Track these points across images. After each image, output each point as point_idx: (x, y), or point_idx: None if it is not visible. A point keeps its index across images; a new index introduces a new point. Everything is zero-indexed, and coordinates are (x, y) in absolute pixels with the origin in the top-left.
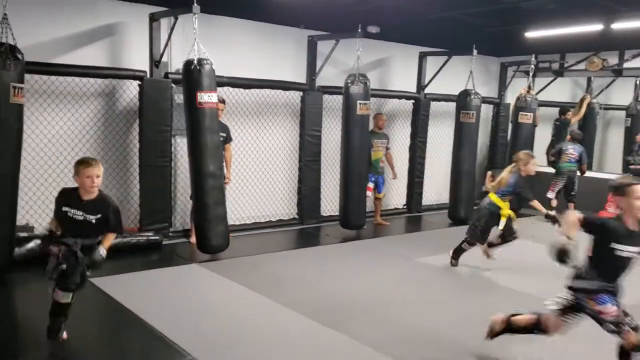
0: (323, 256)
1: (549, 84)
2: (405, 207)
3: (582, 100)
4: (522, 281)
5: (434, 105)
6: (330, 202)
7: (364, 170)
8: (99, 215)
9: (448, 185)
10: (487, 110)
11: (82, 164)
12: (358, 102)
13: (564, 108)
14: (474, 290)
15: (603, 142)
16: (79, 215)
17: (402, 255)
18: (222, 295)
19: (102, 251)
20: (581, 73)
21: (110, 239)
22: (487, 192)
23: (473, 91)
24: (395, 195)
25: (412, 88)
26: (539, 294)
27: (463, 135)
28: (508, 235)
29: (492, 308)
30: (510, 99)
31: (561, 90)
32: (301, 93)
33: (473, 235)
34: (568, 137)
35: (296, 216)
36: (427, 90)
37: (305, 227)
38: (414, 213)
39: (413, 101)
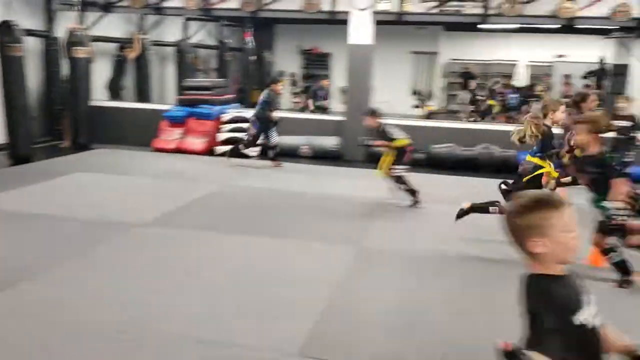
0: None
1: (99, 19)
2: None
3: (134, 37)
4: None
5: None
6: None
7: None
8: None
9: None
10: (36, 44)
11: (553, 206)
12: None
13: (122, 44)
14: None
15: (160, 76)
16: (590, 316)
17: None
18: None
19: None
20: (127, 10)
21: None
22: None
23: (15, 22)
24: None
25: None
26: None
27: (12, 70)
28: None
29: None
30: (61, 33)
31: (116, 26)
32: None
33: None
34: None
35: None
36: None
37: None
38: None
39: None
